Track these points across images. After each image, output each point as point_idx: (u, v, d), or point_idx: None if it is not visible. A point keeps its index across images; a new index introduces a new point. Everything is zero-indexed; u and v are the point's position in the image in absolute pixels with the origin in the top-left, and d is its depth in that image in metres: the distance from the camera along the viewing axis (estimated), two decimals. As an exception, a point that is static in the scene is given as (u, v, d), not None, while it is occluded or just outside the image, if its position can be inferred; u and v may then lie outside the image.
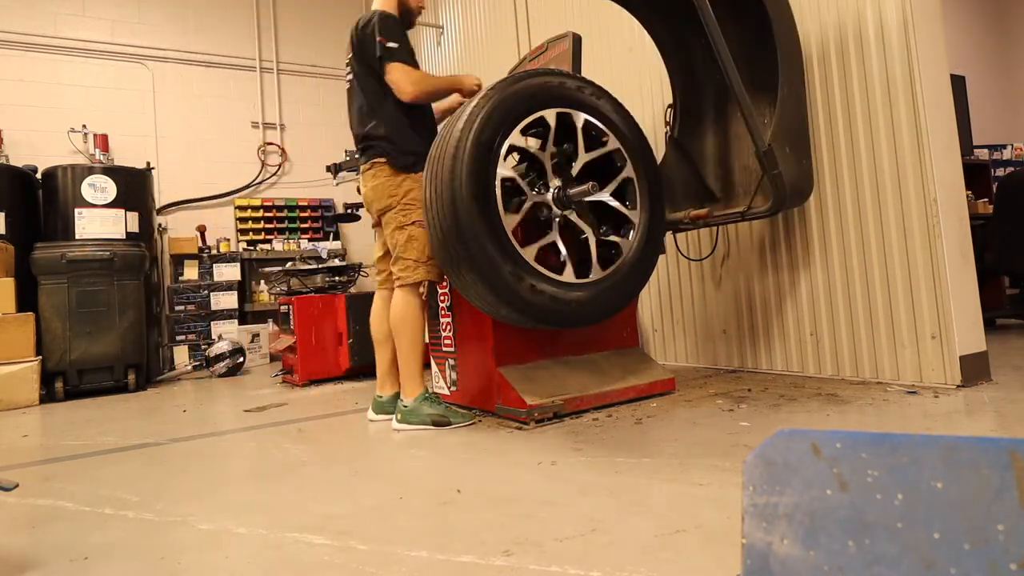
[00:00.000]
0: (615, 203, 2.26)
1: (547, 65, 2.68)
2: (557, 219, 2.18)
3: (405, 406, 2.32)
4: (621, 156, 2.28)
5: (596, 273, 2.19)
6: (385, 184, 2.38)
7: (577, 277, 2.15)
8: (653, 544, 1.14)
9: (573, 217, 2.19)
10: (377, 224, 2.54)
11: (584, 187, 2.13)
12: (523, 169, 2.22)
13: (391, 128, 2.38)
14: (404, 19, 2.49)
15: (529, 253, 2.05)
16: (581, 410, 2.31)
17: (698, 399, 2.43)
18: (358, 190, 3.25)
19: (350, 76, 2.50)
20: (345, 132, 2.75)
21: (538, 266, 2.05)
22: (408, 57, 2.36)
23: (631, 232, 2.29)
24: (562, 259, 2.15)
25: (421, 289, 2.38)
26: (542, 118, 2.12)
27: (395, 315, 2.35)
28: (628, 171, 2.29)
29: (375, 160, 2.41)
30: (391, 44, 2.31)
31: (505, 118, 2.04)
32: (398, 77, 2.30)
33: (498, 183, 2.01)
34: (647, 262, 2.32)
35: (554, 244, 2.16)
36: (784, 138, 2.33)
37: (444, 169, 1.99)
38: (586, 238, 2.21)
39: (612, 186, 2.26)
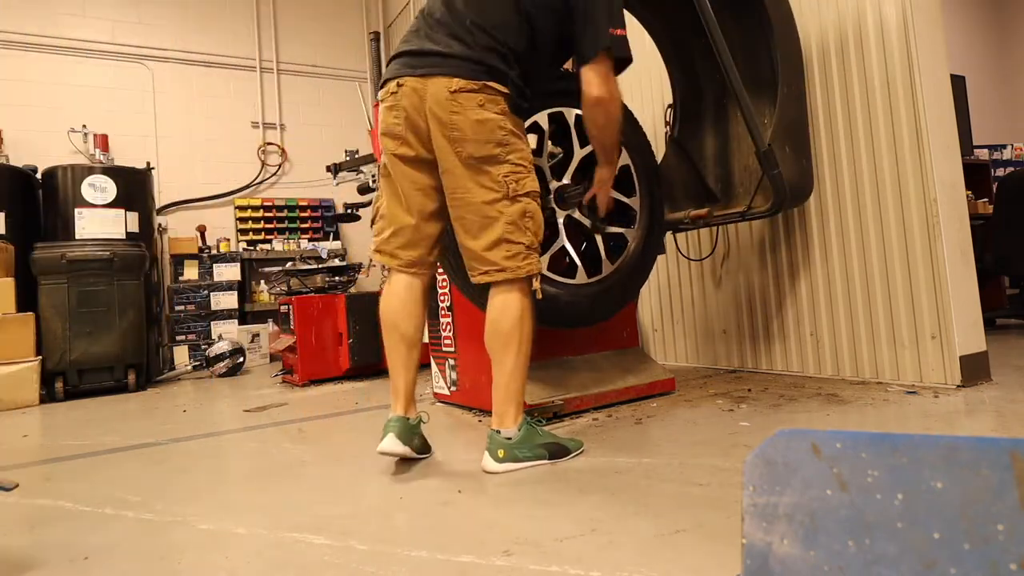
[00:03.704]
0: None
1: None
2: (558, 218, 2.17)
3: (508, 439, 1.73)
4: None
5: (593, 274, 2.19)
6: (501, 122, 1.66)
7: (576, 277, 2.14)
8: (653, 544, 1.14)
9: (574, 216, 2.19)
10: (419, 169, 1.76)
11: (582, 187, 2.13)
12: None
13: (520, 56, 1.71)
14: None
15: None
16: (581, 410, 2.31)
17: (698, 399, 2.43)
18: (370, 181, 3.20)
19: None
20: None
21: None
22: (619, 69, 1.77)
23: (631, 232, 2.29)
24: (567, 260, 2.14)
25: (535, 284, 1.76)
26: (535, 122, 2.10)
27: (506, 323, 1.72)
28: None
29: (492, 84, 1.66)
30: (619, 33, 1.70)
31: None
32: (596, 77, 1.70)
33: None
34: (647, 262, 2.32)
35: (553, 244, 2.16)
36: (784, 137, 2.32)
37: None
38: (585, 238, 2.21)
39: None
